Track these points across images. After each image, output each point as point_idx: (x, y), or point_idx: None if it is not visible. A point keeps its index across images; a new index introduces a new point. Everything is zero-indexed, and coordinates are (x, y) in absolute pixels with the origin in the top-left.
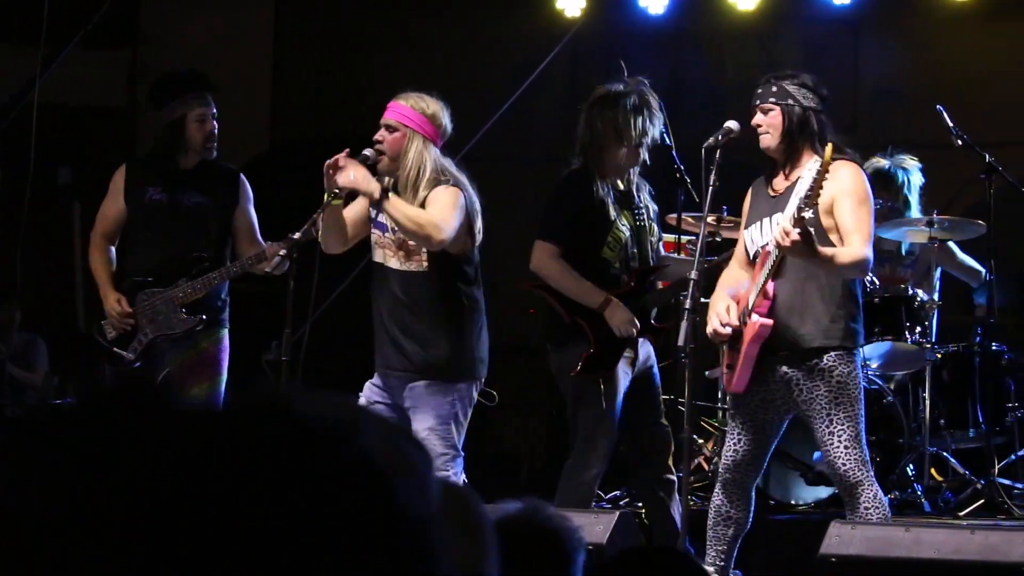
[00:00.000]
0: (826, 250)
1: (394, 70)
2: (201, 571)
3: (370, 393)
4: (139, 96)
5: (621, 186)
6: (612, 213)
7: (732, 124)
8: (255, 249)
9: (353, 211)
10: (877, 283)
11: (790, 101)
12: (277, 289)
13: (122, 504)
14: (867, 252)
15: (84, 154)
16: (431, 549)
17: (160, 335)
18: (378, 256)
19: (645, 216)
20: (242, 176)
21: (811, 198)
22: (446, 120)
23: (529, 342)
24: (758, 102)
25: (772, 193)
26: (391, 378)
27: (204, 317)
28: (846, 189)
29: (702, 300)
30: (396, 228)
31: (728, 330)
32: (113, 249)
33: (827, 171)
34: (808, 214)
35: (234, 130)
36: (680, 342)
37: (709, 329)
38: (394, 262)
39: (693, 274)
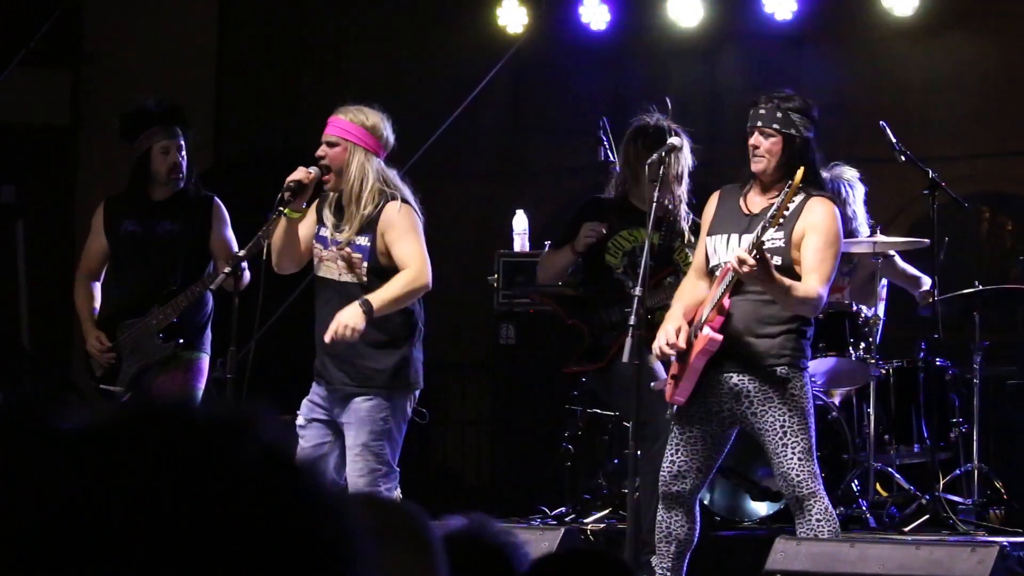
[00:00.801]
0: (784, 280)
1: (336, 86)
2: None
3: (308, 411)
4: (82, 114)
5: (649, 209)
6: (619, 225)
7: (675, 141)
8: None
9: (302, 230)
10: None
11: (793, 131)
12: (222, 307)
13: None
14: (822, 292)
15: (27, 173)
16: (349, 533)
17: (143, 364)
18: (321, 271)
19: (674, 239)
20: (217, 201)
21: (773, 219)
22: (387, 131)
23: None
24: (760, 124)
25: (746, 211)
26: (330, 391)
27: (181, 341)
28: (817, 226)
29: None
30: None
31: (672, 352)
32: (97, 285)
33: (793, 194)
34: (770, 232)
35: None
36: (625, 358)
37: (655, 345)
38: (336, 275)
39: (637, 290)
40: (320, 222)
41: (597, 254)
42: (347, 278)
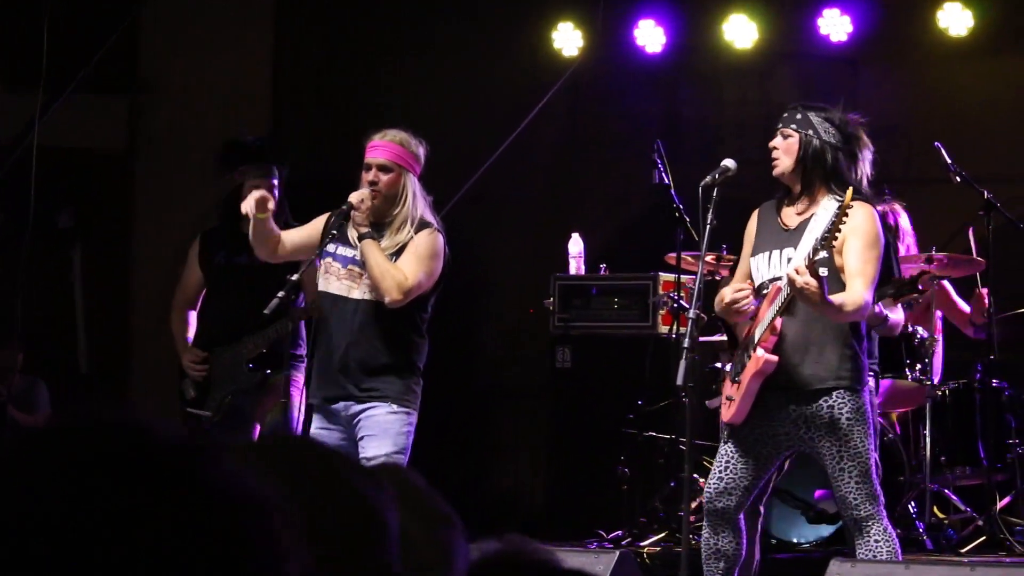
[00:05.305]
0: (835, 298)
1: (392, 110)
2: None
3: (327, 436)
4: (138, 140)
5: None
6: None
7: (729, 162)
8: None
9: (301, 234)
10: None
11: (810, 132)
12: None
13: None
14: (867, 296)
15: (84, 197)
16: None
17: (232, 390)
18: (334, 288)
19: None
20: None
21: (827, 240)
22: (421, 151)
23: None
24: (780, 125)
25: (783, 226)
26: (337, 404)
27: (269, 372)
28: (857, 229)
29: (700, 339)
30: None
31: (745, 299)
32: (192, 314)
33: (846, 214)
34: (822, 255)
35: None
36: (679, 381)
37: (726, 299)
38: (356, 292)
39: (692, 313)
40: (335, 238)
41: None
42: (370, 296)
